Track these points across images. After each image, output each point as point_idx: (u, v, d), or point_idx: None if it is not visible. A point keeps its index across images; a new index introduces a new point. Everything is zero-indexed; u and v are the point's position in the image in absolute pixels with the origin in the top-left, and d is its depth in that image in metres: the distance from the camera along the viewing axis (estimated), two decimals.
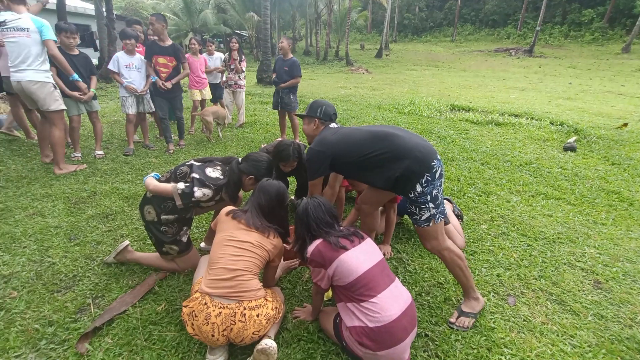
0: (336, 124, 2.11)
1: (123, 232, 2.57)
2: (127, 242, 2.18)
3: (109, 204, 2.97)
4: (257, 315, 1.46)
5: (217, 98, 5.92)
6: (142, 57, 4.25)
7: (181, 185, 1.82)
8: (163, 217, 1.94)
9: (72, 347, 1.60)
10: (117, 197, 3.10)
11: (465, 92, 10.53)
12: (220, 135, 5.17)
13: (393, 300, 1.42)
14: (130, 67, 4.15)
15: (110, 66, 4.13)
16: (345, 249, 1.49)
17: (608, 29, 25.22)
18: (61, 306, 1.84)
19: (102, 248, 2.36)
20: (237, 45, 5.50)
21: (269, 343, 1.41)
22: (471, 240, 2.52)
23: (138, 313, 1.80)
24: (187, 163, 1.99)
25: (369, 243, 1.59)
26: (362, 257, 1.50)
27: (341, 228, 1.63)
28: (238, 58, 5.53)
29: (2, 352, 1.56)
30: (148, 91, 4.35)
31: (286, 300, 1.92)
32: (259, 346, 1.41)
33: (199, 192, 1.80)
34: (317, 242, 1.55)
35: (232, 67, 5.59)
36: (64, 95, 3.72)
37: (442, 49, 28.55)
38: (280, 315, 1.62)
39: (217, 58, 5.75)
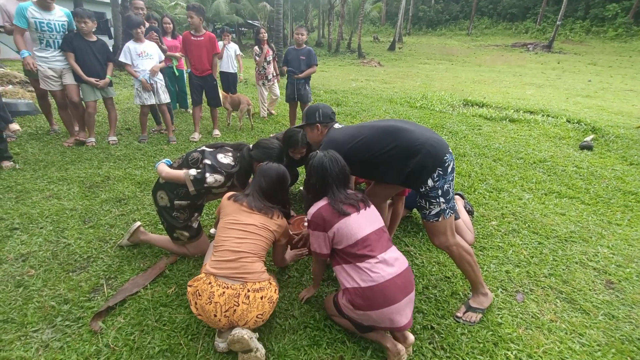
0: (339, 123, 2.08)
1: (135, 216, 2.62)
2: (138, 223, 2.22)
3: (122, 188, 3.03)
4: (261, 298, 1.48)
5: (230, 87, 5.89)
6: (153, 43, 4.17)
7: (193, 172, 1.84)
8: (176, 202, 1.97)
9: (86, 324, 1.65)
10: (129, 183, 3.16)
11: (479, 88, 10.30)
12: (240, 123, 5.16)
13: (387, 265, 1.44)
14: (142, 55, 4.02)
15: (122, 58, 3.94)
16: (347, 214, 1.50)
17: (633, 25, 24.20)
18: (76, 285, 1.90)
19: (115, 231, 2.42)
20: (266, 35, 5.44)
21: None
22: (481, 236, 2.49)
23: (149, 295, 1.85)
24: (198, 149, 2.02)
25: (372, 210, 1.60)
26: (362, 222, 1.52)
27: (349, 192, 1.61)
28: (272, 50, 5.51)
29: (21, 327, 1.63)
30: (162, 79, 4.23)
31: (293, 288, 1.95)
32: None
33: (210, 178, 1.82)
34: (321, 204, 1.55)
35: (268, 60, 5.53)
36: (81, 80, 3.79)
37: (457, 42, 27.90)
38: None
39: (233, 49, 5.72)
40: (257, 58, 5.49)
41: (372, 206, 1.63)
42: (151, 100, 4.16)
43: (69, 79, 3.81)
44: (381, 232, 1.55)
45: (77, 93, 3.92)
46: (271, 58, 5.55)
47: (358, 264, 1.44)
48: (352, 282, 1.44)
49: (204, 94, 4.55)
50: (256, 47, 5.52)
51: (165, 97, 4.28)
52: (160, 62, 4.20)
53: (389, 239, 1.57)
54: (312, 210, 1.55)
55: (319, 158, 1.62)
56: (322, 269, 1.77)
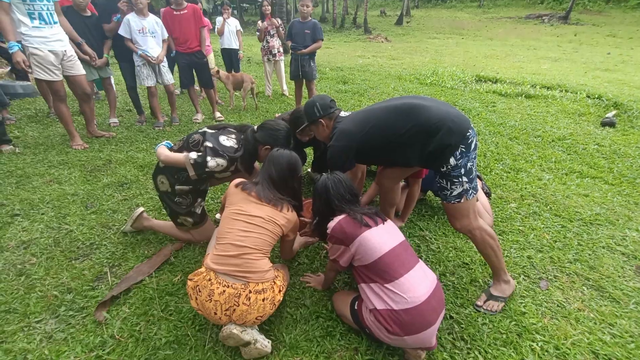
0: (344, 111, 1.91)
1: (138, 201, 2.54)
2: (141, 208, 2.14)
3: (124, 172, 2.94)
4: (263, 300, 1.37)
5: (233, 64, 5.67)
6: (158, 19, 3.80)
7: (193, 155, 1.72)
8: (177, 187, 1.86)
9: (90, 314, 1.60)
10: (132, 166, 3.06)
11: (491, 62, 9.83)
12: (244, 102, 4.98)
13: (419, 282, 1.31)
14: (143, 31, 3.65)
15: (121, 31, 3.59)
16: (368, 226, 1.39)
17: None
18: (79, 274, 1.84)
19: (118, 217, 2.34)
20: (269, 8, 5.18)
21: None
22: (499, 220, 2.37)
23: (154, 283, 1.78)
24: (200, 131, 1.88)
25: (390, 224, 1.49)
26: (385, 236, 1.39)
27: (362, 207, 1.52)
28: (277, 22, 5.21)
29: (24, 317, 1.58)
30: (165, 60, 3.93)
31: (303, 275, 1.87)
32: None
33: (212, 162, 1.70)
34: (340, 217, 1.44)
35: (272, 33, 5.25)
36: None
37: (467, 15, 26.59)
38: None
39: (234, 24, 5.46)
40: (258, 33, 5.32)
41: (389, 220, 1.51)
42: (150, 82, 3.85)
43: (78, 68, 3.24)
44: (405, 245, 1.43)
45: (87, 83, 3.46)
46: (274, 32, 5.27)
47: (387, 285, 1.30)
48: (383, 304, 1.30)
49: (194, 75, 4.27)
50: (259, 22, 5.29)
51: (169, 78, 3.99)
52: (163, 40, 3.86)
53: (414, 252, 1.45)
54: (332, 224, 1.44)
55: (322, 181, 1.54)
56: (335, 275, 1.69)
